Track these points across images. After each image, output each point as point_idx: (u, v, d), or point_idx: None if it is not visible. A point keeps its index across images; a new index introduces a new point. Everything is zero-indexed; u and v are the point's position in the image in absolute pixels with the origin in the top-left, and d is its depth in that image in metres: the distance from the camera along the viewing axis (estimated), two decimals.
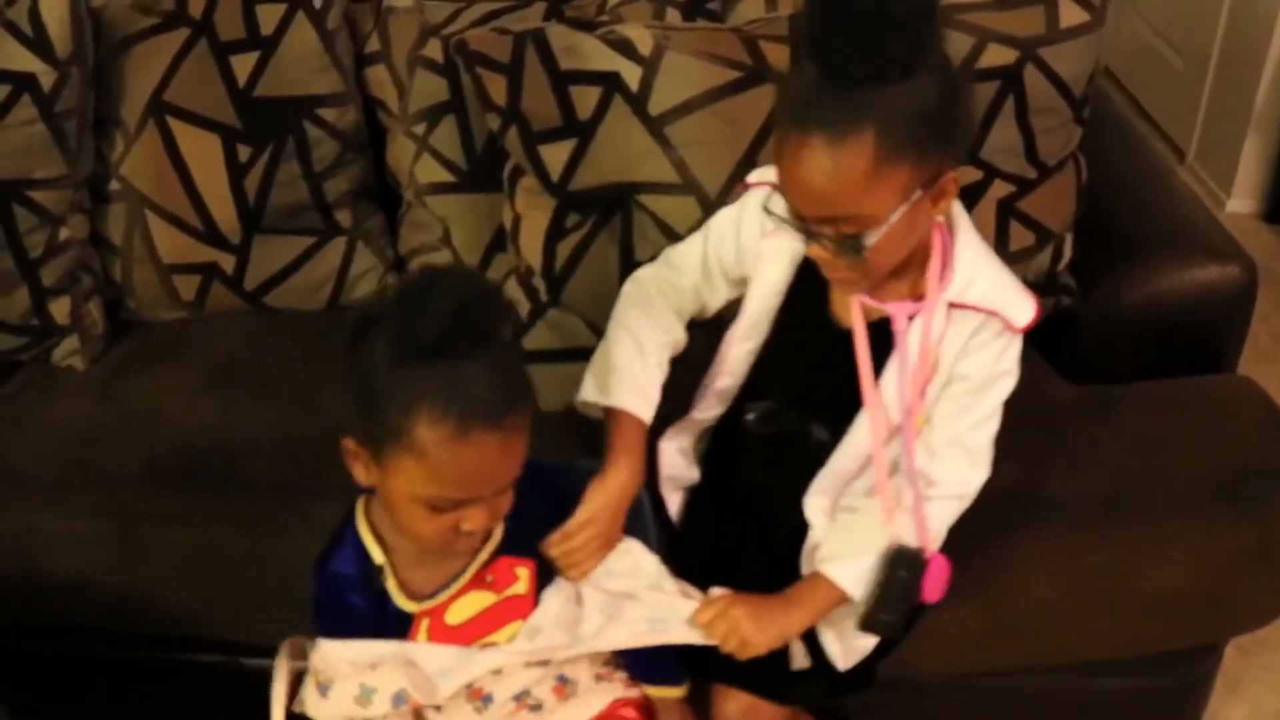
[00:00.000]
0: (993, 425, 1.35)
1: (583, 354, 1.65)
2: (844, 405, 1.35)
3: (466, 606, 1.25)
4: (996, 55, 1.70)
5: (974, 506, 1.48)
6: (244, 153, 1.83)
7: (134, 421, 1.70)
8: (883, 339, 1.31)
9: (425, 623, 1.25)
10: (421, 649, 1.26)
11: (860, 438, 1.36)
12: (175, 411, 1.71)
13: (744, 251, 1.39)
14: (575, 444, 1.62)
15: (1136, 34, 3.78)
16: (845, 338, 1.32)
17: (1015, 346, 1.31)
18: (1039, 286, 1.82)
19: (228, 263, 1.87)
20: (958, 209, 1.30)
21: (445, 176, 1.82)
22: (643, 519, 1.43)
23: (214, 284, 1.88)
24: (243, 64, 1.82)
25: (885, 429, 1.33)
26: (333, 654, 1.27)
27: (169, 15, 1.82)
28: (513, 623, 1.27)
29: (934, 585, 1.37)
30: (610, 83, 1.59)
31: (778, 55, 1.61)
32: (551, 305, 1.68)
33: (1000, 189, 1.76)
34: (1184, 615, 1.63)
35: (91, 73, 1.78)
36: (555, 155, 1.62)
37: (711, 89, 1.58)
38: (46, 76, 1.72)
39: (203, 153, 1.83)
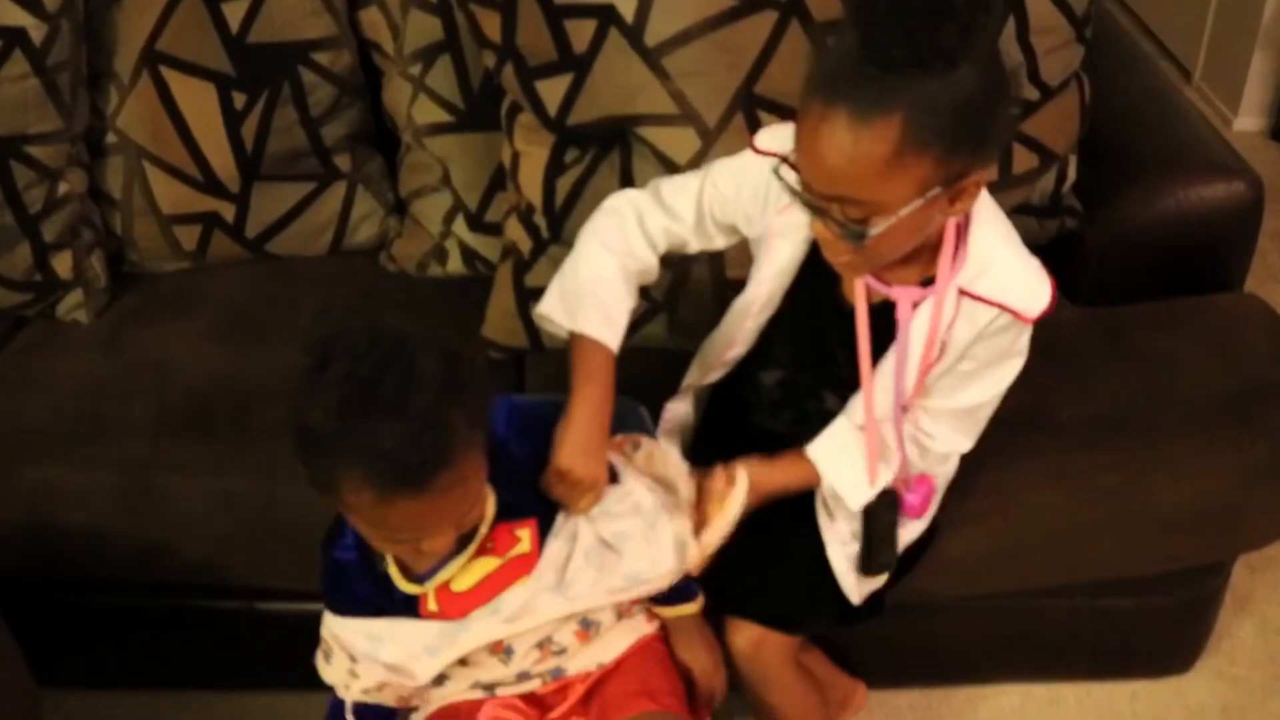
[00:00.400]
0: (993, 403, 1.35)
1: None
2: (853, 380, 1.34)
3: (472, 573, 1.23)
4: None
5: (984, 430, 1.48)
6: (240, 100, 1.82)
7: (142, 372, 1.70)
8: (889, 322, 1.28)
9: (432, 594, 1.24)
10: (407, 628, 1.24)
11: (869, 407, 1.35)
12: (183, 361, 1.72)
13: (747, 216, 1.34)
14: None
15: None
16: (852, 317, 1.30)
17: (1027, 331, 1.29)
18: (1044, 209, 1.82)
19: (228, 211, 1.87)
20: (983, 197, 1.24)
21: (443, 117, 1.81)
22: (646, 431, 1.43)
23: (215, 233, 1.88)
24: (234, 11, 1.80)
25: (885, 408, 1.32)
26: (332, 626, 1.28)
27: None
28: (521, 579, 1.26)
29: (914, 501, 1.41)
30: (605, 15, 1.58)
31: None
32: (553, 242, 1.67)
33: None
34: (1193, 534, 1.63)
35: (82, 25, 1.77)
36: (552, 90, 1.61)
37: (708, 18, 1.57)
38: (37, 30, 1.70)
39: (198, 102, 1.81)
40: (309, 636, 1.78)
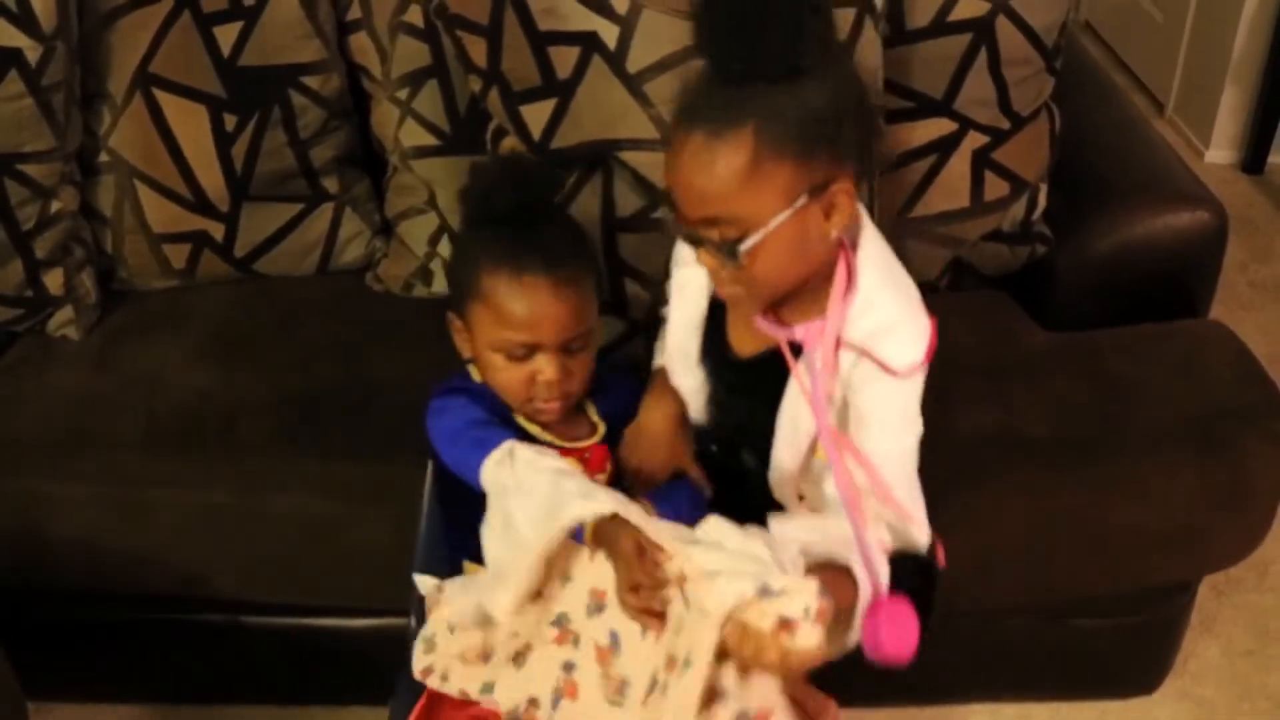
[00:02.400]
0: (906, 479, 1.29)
1: None
2: (762, 433, 1.32)
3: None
4: (968, 8, 1.74)
5: (953, 450, 1.52)
6: (230, 122, 1.85)
7: (131, 388, 1.73)
8: (782, 365, 1.27)
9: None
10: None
11: (782, 462, 1.32)
12: (171, 377, 1.74)
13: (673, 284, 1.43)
14: None
15: None
16: (746, 367, 1.33)
17: (903, 390, 1.25)
18: (1015, 236, 1.86)
19: (217, 231, 1.90)
20: (866, 228, 1.26)
21: (429, 140, 1.84)
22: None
23: (204, 252, 1.91)
24: (226, 34, 1.84)
25: (799, 454, 1.30)
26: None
27: None
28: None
29: (893, 635, 1.20)
30: (588, 42, 1.62)
31: None
32: None
33: (974, 140, 1.79)
34: (1158, 553, 1.67)
35: (77, 47, 1.80)
36: (536, 115, 1.65)
37: (688, 46, 1.58)
38: (32, 51, 1.74)
39: (190, 123, 1.85)
40: (293, 651, 1.83)
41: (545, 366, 1.33)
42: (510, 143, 1.75)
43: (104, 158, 1.86)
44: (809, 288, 1.24)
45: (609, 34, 1.62)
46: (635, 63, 1.61)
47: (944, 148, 1.79)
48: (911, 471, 1.29)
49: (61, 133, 1.79)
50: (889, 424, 1.27)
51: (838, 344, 1.23)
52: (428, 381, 1.57)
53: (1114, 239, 1.80)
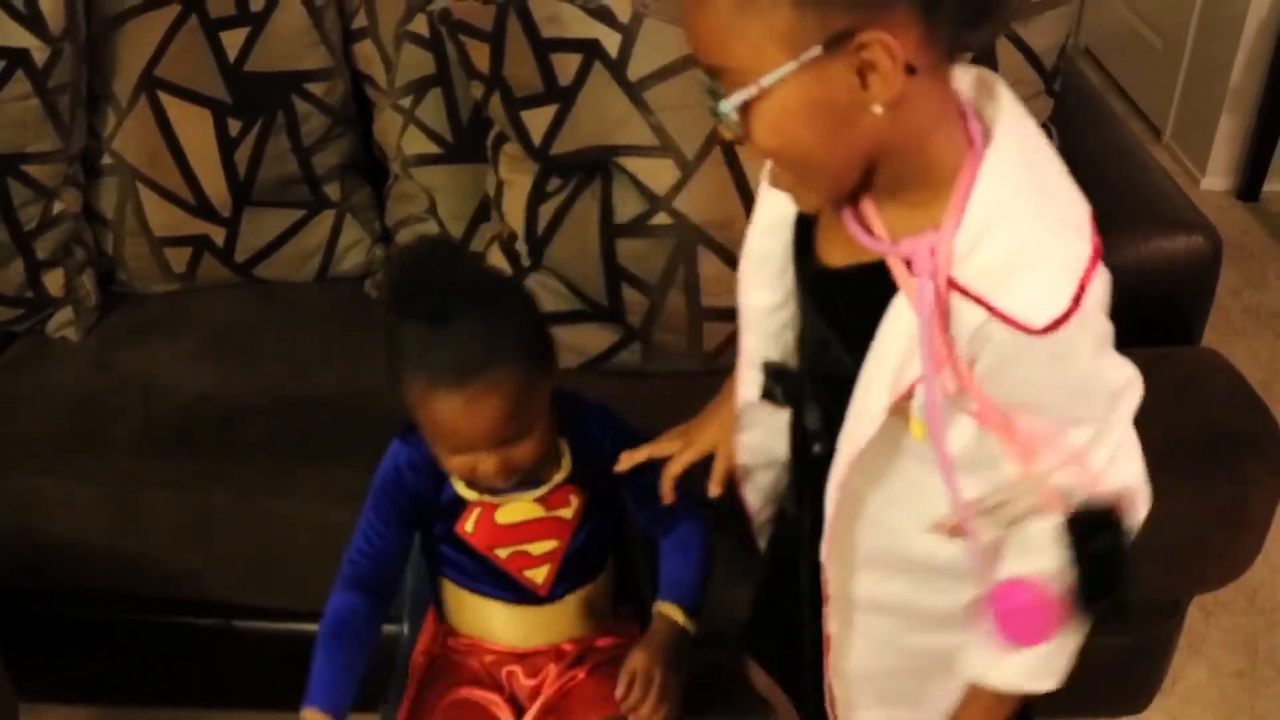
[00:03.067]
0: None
1: (564, 317, 1.71)
2: (836, 381, 1.02)
3: (516, 511, 1.31)
4: None
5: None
6: (234, 127, 1.87)
7: (129, 389, 1.73)
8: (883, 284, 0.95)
9: (476, 512, 1.31)
10: None
11: (855, 430, 1.00)
12: (169, 379, 1.75)
13: None
14: None
15: (1116, 14, 3.84)
16: (836, 279, 1.01)
17: (1056, 355, 0.90)
18: None
19: (218, 235, 1.91)
20: (1006, 115, 0.91)
21: (431, 148, 1.86)
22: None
23: (205, 256, 1.92)
24: (233, 40, 1.85)
25: (874, 419, 0.98)
26: None
27: None
28: (549, 540, 1.33)
29: (1019, 620, 1.05)
30: (590, 49, 1.64)
31: None
32: (533, 269, 1.72)
33: None
34: (1150, 570, 1.66)
35: (84, 49, 1.82)
36: (537, 121, 1.66)
37: (688, 55, 1.61)
38: (40, 52, 1.76)
39: (194, 127, 1.86)
40: (286, 656, 1.81)
41: (482, 462, 1.23)
42: (425, 229, 1.83)
43: (107, 160, 1.88)
44: (913, 185, 0.92)
45: (610, 42, 1.63)
46: (636, 70, 1.63)
47: None
48: (1115, 441, 1.00)
49: (66, 134, 1.81)
50: (1051, 408, 0.96)
51: (949, 285, 0.90)
52: None
53: (1108, 262, 1.80)
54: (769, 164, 0.96)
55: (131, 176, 1.87)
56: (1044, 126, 1.83)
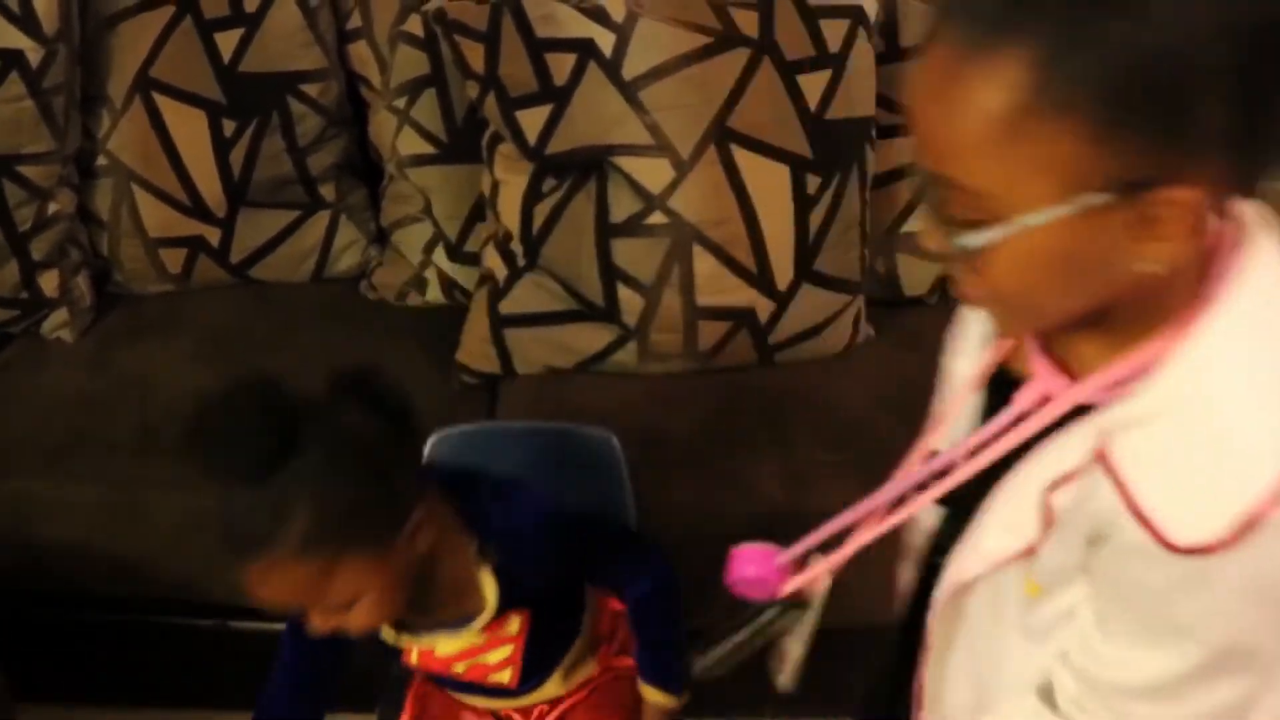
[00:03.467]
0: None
1: (559, 317, 1.71)
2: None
3: (454, 644, 1.22)
4: None
5: None
6: (229, 128, 1.87)
7: (125, 390, 1.74)
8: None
9: (415, 649, 1.24)
10: None
11: (963, 568, 0.88)
12: (165, 380, 1.75)
13: None
14: (551, 407, 1.67)
15: None
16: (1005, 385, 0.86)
17: (1170, 582, 0.73)
18: None
19: (213, 236, 1.92)
20: (1257, 246, 0.74)
21: (426, 148, 1.86)
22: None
23: (200, 257, 1.92)
24: (227, 40, 1.86)
25: (988, 561, 0.85)
26: None
27: None
28: (502, 648, 1.24)
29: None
30: (585, 49, 1.64)
31: (747, 21, 1.65)
32: (529, 269, 1.72)
33: None
34: None
35: (78, 50, 1.82)
36: (532, 120, 1.66)
37: (682, 54, 1.63)
38: (34, 53, 1.76)
39: (189, 128, 1.87)
40: None
41: (314, 622, 1.08)
42: (420, 229, 1.83)
43: (102, 161, 1.88)
44: (1121, 326, 0.76)
45: (605, 41, 1.64)
46: (630, 70, 1.63)
47: None
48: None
49: (61, 135, 1.81)
50: (1144, 622, 0.77)
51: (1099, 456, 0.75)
52: (419, 389, 1.59)
53: None
54: (960, 281, 0.77)
55: (126, 177, 1.88)
56: None
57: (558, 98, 1.65)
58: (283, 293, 1.97)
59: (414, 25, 1.83)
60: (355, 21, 1.93)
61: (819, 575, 1.02)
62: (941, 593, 0.90)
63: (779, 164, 1.65)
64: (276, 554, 1.00)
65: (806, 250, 1.68)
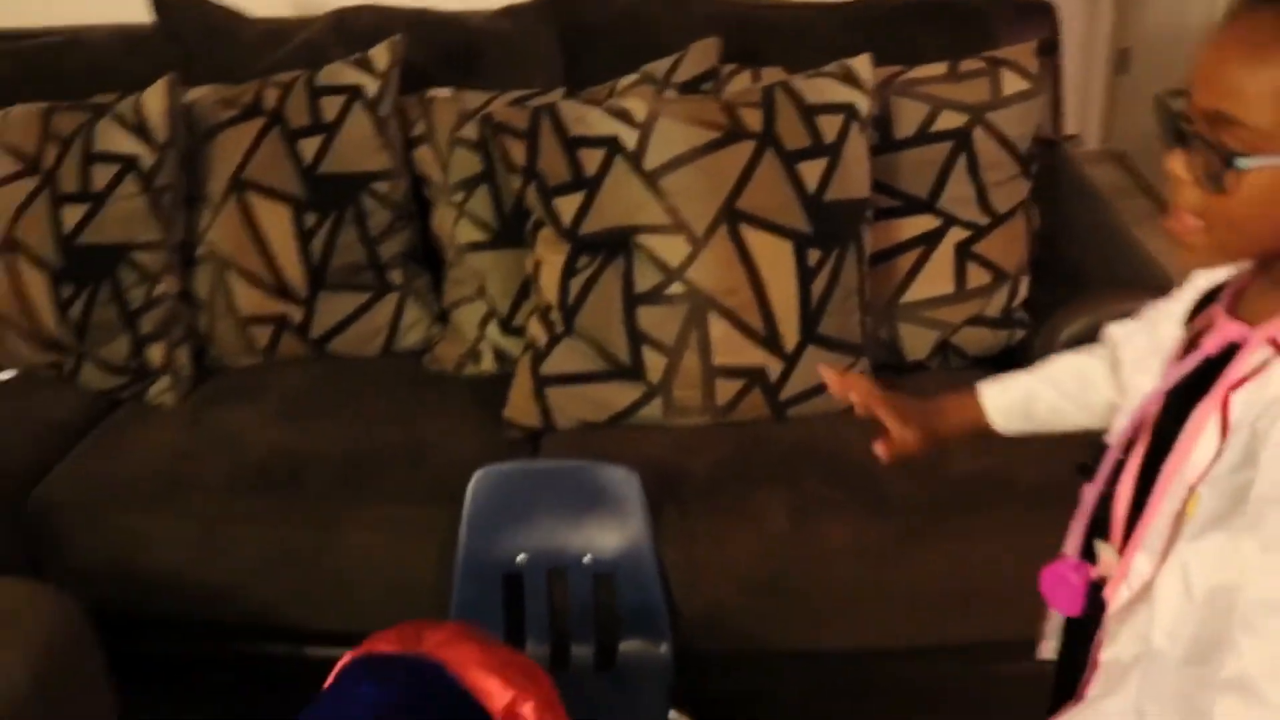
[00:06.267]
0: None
1: (593, 376, 1.94)
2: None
3: None
4: (949, 120, 2.00)
5: (947, 488, 1.73)
6: (310, 220, 2.15)
7: (217, 443, 1.99)
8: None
9: None
10: None
11: (1156, 518, 1.00)
12: (252, 435, 2.01)
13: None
14: (586, 456, 1.87)
15: (1144, 119, 4.06)
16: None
17: None
18: (996, 321, 2.08)
19: (296, 315, 2.18)
20: None
21: (480, 236, 2.12)
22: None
23: (284, 333, 2.19)
24: (309, 146, 2.15)
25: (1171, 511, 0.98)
26: None
27: (248, 107, 2.17)
28: None
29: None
30: (612, 145, 1.90)
31: (752, 118, 1.90)
32: (566, 334, 1.95)
33: (957, 234, 2.03)
34: None
35: (184, 155, 2.12)
36: (568, 206, 1.92)
37: (696, 147, 1.88)
38: (147, 158, 2.07)
39: (275, 221, 2.15)
40: None
41: None
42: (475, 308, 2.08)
43: (202, 250, 2.17)
44: None
45: (629, 138, 1.89)
46: (651, 161, 1.89)
47: (929, 241, 2.03)
48: None
49: (168, 227, 2.10)
50: None
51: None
52: (472, 443, 1.86)
53: (1081, 323, 1.99)
54: (1173, 213, 0.96)
55: (222, 264, 2.16)
56: (1023, 205, 2.06)
57: (589, 186, 1.90)
58: (355, 365, 2.22)
59: (469, 131, 2.10)
60: (420, 129, 2.21)
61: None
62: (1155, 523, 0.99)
63: (783, 239, 1.88)
64: None
65: (810, 315, 1.89)
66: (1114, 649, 1.05)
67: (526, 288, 2.09)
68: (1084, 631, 1.12)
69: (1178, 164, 0.93)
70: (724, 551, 1.78)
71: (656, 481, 1.79)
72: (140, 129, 2.07)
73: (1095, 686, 1.08)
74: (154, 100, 2.09)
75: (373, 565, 1.86)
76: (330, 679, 1.43)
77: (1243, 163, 0.88)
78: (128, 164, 2.06)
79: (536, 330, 1.99)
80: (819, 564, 1.78)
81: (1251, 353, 0.95)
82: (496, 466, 1.76)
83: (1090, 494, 1.11)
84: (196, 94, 2.22)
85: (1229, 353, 0.97)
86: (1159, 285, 1.99)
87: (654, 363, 1.90)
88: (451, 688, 1.38)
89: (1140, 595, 1.02)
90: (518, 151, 1.94)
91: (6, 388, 2.22)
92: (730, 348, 1.89)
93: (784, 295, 1.89)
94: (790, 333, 1.90)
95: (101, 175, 2.08)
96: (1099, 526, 1.11)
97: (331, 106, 2.15)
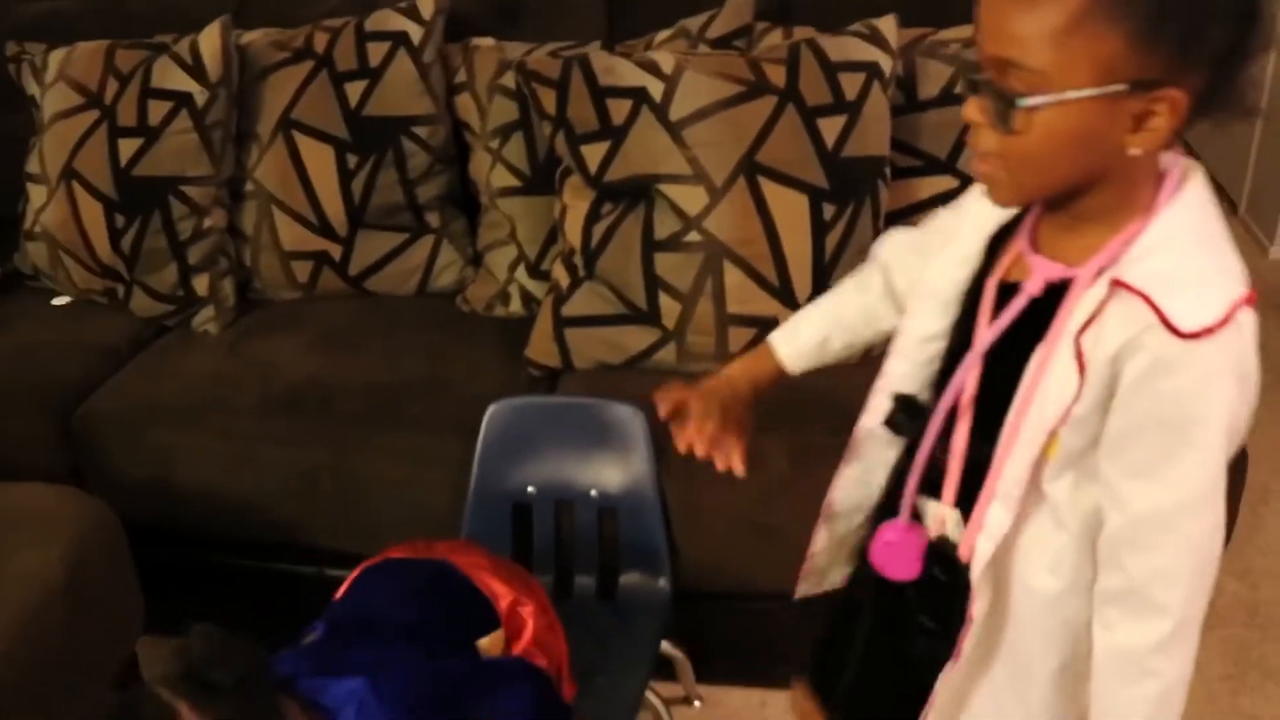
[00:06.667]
0: (1178, 534, 0.99)
1: (611, 319, 2.00)
2: (993, 399, 1.08)
3: None
4: None
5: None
6: (352, 161, 2.23)
7: (252, 369, 2.10)
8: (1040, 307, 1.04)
9: None
10: None
11: (1019, 451, 1.05)
12: (284, 363, 2.11)
13: (959, 215, 1.20)
14: (601, 395, 1.94)
15: None
16: (1011, 293, 1.06)
17: (1189, 370, 0.94)
18: None
19: (336, 252, 2.27)
20: (1192, 174, 1.01)
21: (513, 182, 2.19)
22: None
23: (324, 269, 2.28)
24: (354, 89, 2.23)
25: (1035, 444, 1.03)
26: None
27: (298, 50, 2.25)
28: None
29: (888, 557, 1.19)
30: (639, 95, 1.95)
31: (776, 73, 1.94)
32: (587, 278, 2.02)
33: None
34: None
35: (236, 94, 2.21)
36: (594, 153, 1.98)
37: (720, 100, 1.93)
38: (200, 96, 2.16)
39: (319, 161, 2.24)
40: None
41: None
42: (506, 251, 2.16)
43: (249, 186, 2.26)
44: (1096, 216, 1.01)
45: (656, 89, 1.95)
46: (676, 112, 1.94)
47: (947, 201, 2.03)
48: (1185, 531, 1.00)
49: (218, 163, 2.20)
50: (1169, 426, 0.97)
51: (1116, 284, 0.97)
52: (493, 379, 1.94)
53: None
54: (977, 156, 1.00)
55: (268, 200, 2.25)
56: None
57: (615, 135, 1.96)
58: (390, 302, 2.31)
59: (508, 80, 2.17)
60: (461, 76, 2.28)
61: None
62: (1006, 481, 1.05)
63: (799, 193, 1.92)
64: None
65: (823, 268, 1.94)
66: (983, 602, 1.10)
67: (555, 233, 2.16)
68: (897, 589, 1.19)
69: (972, 110, 0.98)
70: (724, 493, 1.83)
71: (665, 423, 1.85)
72: (195, 68, 2.16)
73: (969, 642, 1.12)
74: (209, 41, 2.18)
75: (391, 490, 1.94)
76: (346, 584, 1.52)
77: (1025, 101, 0.93)
78: (182, 100, 2.16)
79: (559, 273, 2.06)
80: (816, 509, 1.83)
81: (1085, 290, 0.99)
82: (510, 401, 1.83)
83: (924, 453, 1.14)
84: (250, 36, 2.31)
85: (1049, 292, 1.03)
86: None
87: (670, 308, 1.96)
88: (463, 583, 1.47)
89: (1006, 546, 1.07)
90: (549, 100, 2.00)
91: (62, 311, 2.35)
92: (744, 297, 1.94)
93: (798, 248, 1.93)
94: (803, 285, 1.94)
95: (157, 111, 2.18)
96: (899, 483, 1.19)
97: (377, 52, 2.23)
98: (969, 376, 1.09)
